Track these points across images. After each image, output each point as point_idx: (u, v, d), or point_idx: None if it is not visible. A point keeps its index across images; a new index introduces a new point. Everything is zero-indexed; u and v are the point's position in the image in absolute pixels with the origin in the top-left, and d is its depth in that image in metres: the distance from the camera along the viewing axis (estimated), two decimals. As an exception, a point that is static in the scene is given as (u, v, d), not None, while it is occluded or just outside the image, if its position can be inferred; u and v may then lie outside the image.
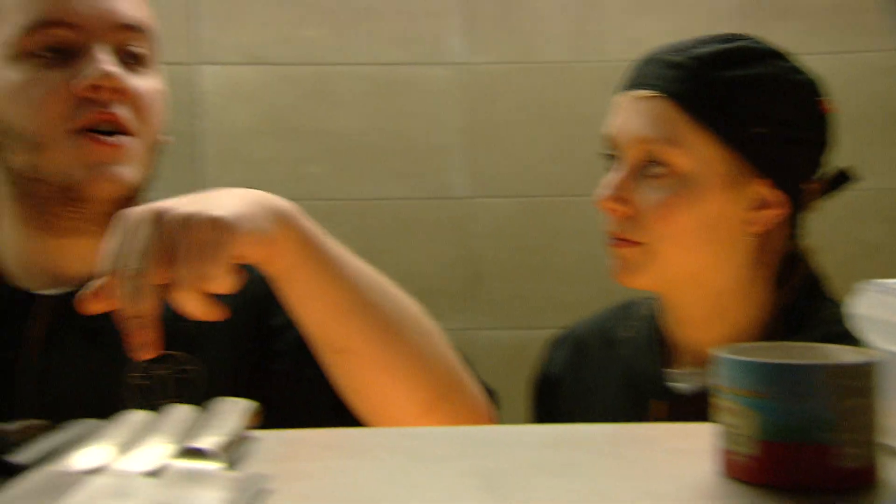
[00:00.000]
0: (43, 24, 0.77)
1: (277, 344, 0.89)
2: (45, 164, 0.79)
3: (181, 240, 0.63)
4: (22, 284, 0.86)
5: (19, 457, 0.57)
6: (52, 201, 0.81)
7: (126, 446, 0.60)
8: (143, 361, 0.76)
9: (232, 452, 0.62)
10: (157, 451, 0.59)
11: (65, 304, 0.80)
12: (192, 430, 0.63)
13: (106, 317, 0.72)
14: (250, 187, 0.72)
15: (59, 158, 0.78)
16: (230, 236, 0.65)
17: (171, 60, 0.98)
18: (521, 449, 0.66)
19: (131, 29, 0.81)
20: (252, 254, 0.69)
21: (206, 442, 0.60)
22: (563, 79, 2.34)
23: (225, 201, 0.67)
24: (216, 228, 0.64)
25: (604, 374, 1.13)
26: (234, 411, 0.68)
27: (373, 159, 2.40)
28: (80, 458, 0.57)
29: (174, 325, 0.72)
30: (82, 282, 0.76)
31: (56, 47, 0.78)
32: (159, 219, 0.64)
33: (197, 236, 0.64)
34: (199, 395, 0.82)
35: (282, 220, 0.71)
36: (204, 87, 2.35)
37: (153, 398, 0.83)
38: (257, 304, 0.89)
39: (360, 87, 2.40)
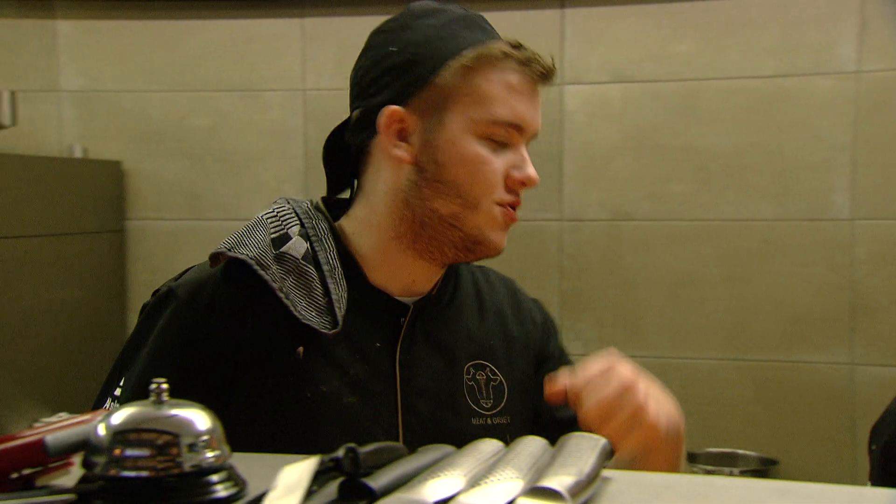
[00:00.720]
0: (509, 123, 1.00)
1: (546, 366, 1.08)
2: (468, 218, 1.01)
3: (627, 411, 0.84)
4: (383, 288, 1.04)
5: (376, 482, 0.57)
6: (450, 244, 1.02)
7: (475, 479, 0.58)
8: (469, 367, 1.03)
9: (584, 494, 0.58)
10: (506, 486, 0.56)
11: (419, 310, 1.03)
12: (544, 466, 0.60)
13: (446, 328, 1.04)
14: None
15: (480, 218, 1.01)
16: (655, 438, 0.85)
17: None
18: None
19: (536, 136, 1.05)
20: (640, 447, 0.86)
21: (557, 482, 0.57)
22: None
23: (665, 408, 0.87)
24: (653, 427, 0.84)
25: None
26: (588, 448, 0.63)
27: (742, 178, 2.27)
28: (432, 489, 0.56)
29: (486, 342, 1.05)
30: (423, 294, 1.04)
31: (500, 139, 1.02)
32: (633, 388, 0.84)
33: (640, 428, 0.84)
34: (506, 401, 1.04)
35: (673, 436, 0.87)
36: (569, 107, 2.35)
37: (476, 397, 1.03)
38: (545, 328, 1.12)
39: (732, 101, 2.28)
